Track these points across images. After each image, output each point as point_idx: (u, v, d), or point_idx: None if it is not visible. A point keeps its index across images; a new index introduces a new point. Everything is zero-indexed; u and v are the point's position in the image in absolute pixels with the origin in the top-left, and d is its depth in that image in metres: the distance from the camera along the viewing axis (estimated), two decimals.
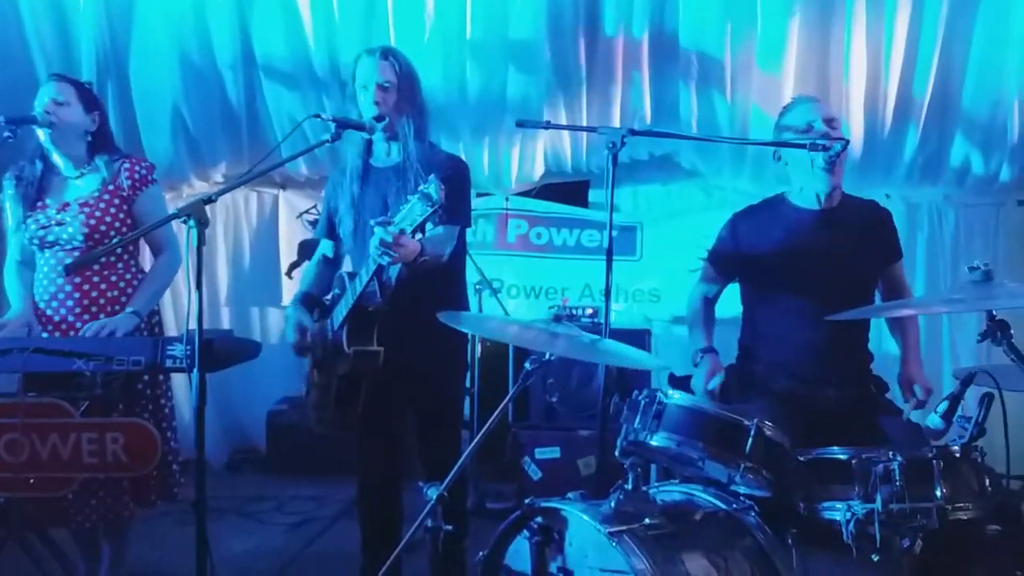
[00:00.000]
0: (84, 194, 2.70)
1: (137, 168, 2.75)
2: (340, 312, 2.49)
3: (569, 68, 3.97)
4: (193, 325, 2.07)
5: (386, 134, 2.57)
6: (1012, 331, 1.75)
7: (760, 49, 3.80)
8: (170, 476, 2.75)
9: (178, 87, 4.19)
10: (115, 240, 2.61)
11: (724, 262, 2.69)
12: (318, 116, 2.38)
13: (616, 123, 4.01)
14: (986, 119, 3.85)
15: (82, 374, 2.32)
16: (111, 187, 2.70)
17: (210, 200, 2.09)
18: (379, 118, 2.49)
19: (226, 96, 4.24)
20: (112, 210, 2.69)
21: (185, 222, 2.02)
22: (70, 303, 2.68)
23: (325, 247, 2.80)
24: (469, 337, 2.83)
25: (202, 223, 2.01)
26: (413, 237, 2.17)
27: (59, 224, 2.66)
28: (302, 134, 3.74)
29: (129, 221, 2.70)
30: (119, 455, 2.28)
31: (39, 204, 2.70)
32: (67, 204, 2.68)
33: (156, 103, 4.21)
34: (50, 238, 2.67)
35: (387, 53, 2.56)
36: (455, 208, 2.42)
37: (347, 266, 2.74)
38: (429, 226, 2.18)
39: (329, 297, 2.65)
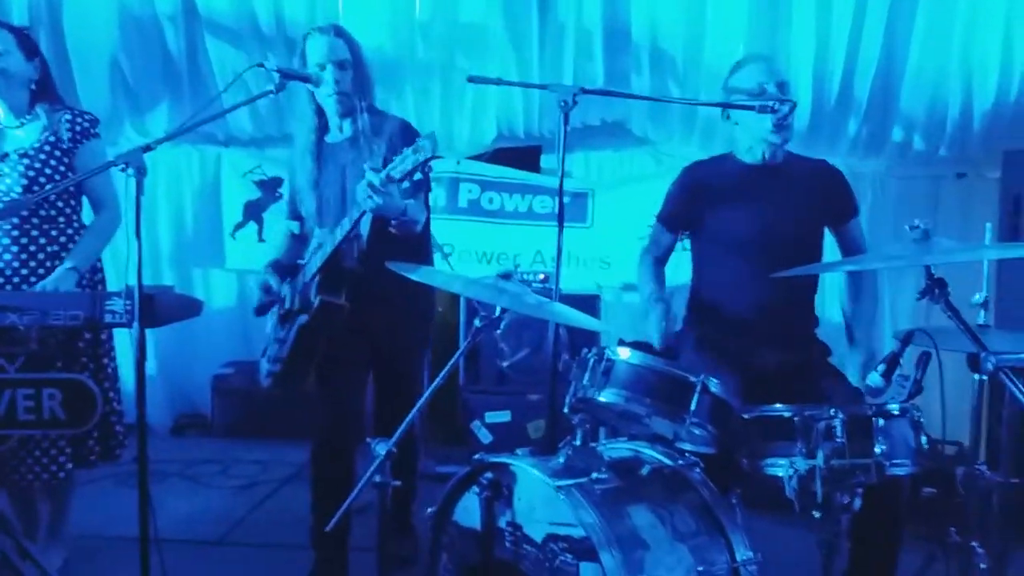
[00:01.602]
0: (24, 145, 2.63)
1: (79, 120, 2.68)
2: (314, 263, 2.52)
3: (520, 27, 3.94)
4: (132, 279, 2.04)
5: (340, 109, 2.59)
6: (949, 289, 1.79)
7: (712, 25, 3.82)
8: (112, 438, 2.72)
9: (116, 38, 4.04)
10: (48, 187, 2.53)
11: (673, 215, 2.70)
12: (261, 65, 2.32)
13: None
14: (927, 101, 3.93)
15: (16, 328, 2.23)
16: (52, 139, 2.63)
17: (148, 148, 2.03)
18: (340, 97, 2.55)
19: (166, 47, 4.11)
20: (52, 162, 2.62)
21: (124, 170, 1.96)
22: (8, 256, 2.61)
23: (292, 225, 2.84)
24: (435, 306, 2.83)
25: (141, 171, 1.96)
26: (402, 185, 2.21)
27: (29, 195, 2.58)
28: (245, 90, 3.63)
29: (69, 174, 2.63)
30: (56, 412, 2.20)
31: None
32: (6, 155, 2.62)
33: (93, 54, 4.07)
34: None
35: (339, 31, 2.59)
36: (417, 183, 2.39)
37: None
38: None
39: (303, 260, 2.67)
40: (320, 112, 2.66)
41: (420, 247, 2.70)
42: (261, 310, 2.76)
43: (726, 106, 2.54)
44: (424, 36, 3.97)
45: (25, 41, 2.64)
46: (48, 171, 2.61)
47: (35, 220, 2.64)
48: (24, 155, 2.60)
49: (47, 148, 2.62)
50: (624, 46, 3.97)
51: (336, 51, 2.55)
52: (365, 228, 2.48)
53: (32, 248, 2.63)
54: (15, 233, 2.62)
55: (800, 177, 2.58)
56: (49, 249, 2.64)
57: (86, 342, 2.64)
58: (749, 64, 2.57)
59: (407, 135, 2.51)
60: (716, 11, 3.81)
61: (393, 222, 2.41)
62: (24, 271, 2.61)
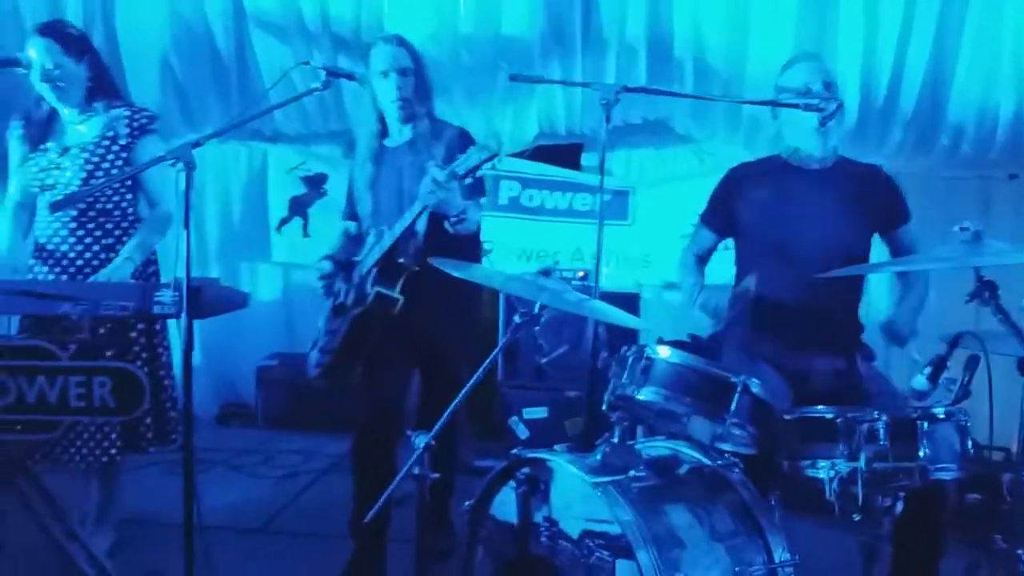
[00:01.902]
0: (85, 140, 2.72)
1: (137, 117, 2.76)
2: (373, 256, 2.61)
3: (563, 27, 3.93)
4: (181, 271, 2.09)
5: (401, 115, 2.69)
6: (1000, 291, 1.76)
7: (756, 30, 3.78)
8: (167, 423, 2.80)
9: (166, 38, 4.13)
10: (102, 180, 2.61)
11: (718, 216, 2.69)
12: (307, 64, 2.36)
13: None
14: (978, 103, 3.84)
15: (68, 317, 2.30)
16: (110, 134, 2.72)
17: (197, 143, 2.07)
18: (402, 103, 2.65)
19: (215, 47, 4.18)
20: (111, 157, 2.71)
21: (173, 164, 2.01)
22: (65, 247, 2.72)
23: (349, 226, 2.92)
24: (482, 307, 2.88)
25: (189, 166, 2.00)
26: (464, 181, 2.34)
27: (58, 168, 2.70)
28: (292, 87, 3.68)
29: (127, 169, 2.70)
30: (107, 399, 2.26)
31: (42, 147, 2.73)
32: (67, 148, 2.71)
33: (144, 54, 4.15)
34: (49, 181, 2.70)
35: (401, 41, 2.69)
36: (473, 184, 2.54)
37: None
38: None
39: (360, 257, 2.76)
40: (381, 117, 2.75)
41: (472, 248, 2.77)
42: (328, 291, 2.82)
43: (770, 104, 2.53)
44: (468, 47, 4.00)
45: (73, 44, 2.68)
46: (106, 165, 2.69)
47: (91, 213, 2.72)
48: (84, 150, 2.69)
49: (106, 143, 2.70)
50: (667, 56, 3.95)
51: (399, 59, 2.66)
52: (422, 227, 2.56)
53: (88, 240, 2.72)
54: (72, 225, 2.71)
55: (849, 182, 2.54)
56: (104, 241, 2.73)
57: (140, 331, 2.72)
58: (798, 63, 2.55)
59: (465, 141, 2.59)
60: (761, 16, 3.76)
61: (452, 218, 2.49)
62: (80, 262, 2.70)
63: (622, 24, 3.89)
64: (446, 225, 2.54)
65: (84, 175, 2.67)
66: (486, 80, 4.15)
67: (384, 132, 2.79)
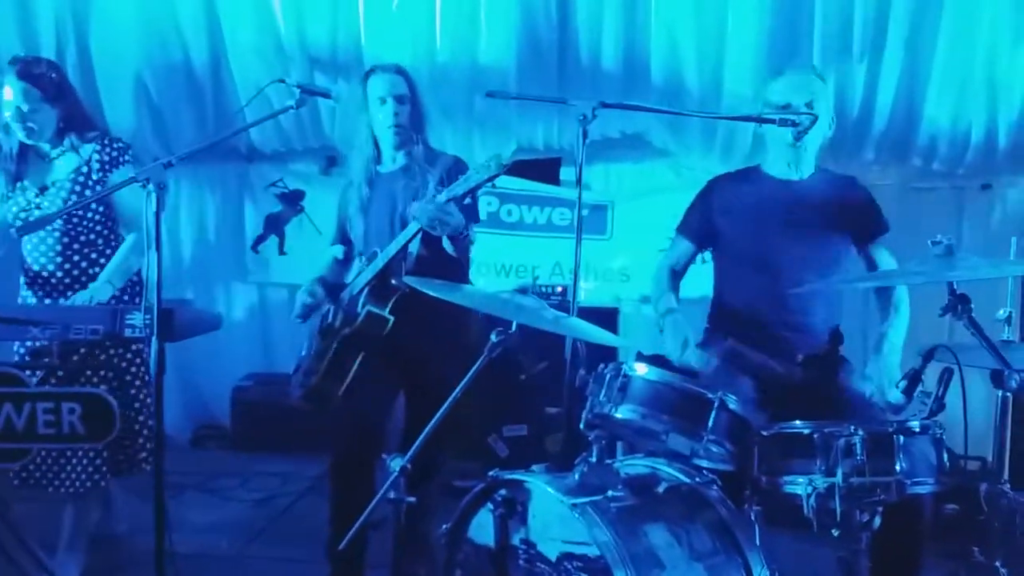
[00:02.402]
0: (61, 177, 2.72)
1: (107, 150, 2.75)
2: (365, 276, 2.64)
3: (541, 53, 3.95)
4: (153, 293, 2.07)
5: (396, 140, 2.74)
6: (972, 305, 1.77)
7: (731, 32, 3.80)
8: (140, 450, 2.76)
9: (141, 57, 4.10)
10: (68, 205, 2.62)
11: (695, 227, 2.69)
12: (282, 81, 2.35)
13: None
14: (951, 113, 3.88)
15: (38, 342, 2.27)
16: (84, 169, 2.71)
17: (169, 164, 2.05)
18: (398, 129, 2.70)
19: (191, 66, 4.15)
20: (87, 192, 2.70)
21: (144, 186, 1.98)
22: (53, 280, 2.74)
23: (336, 251, 2.94)
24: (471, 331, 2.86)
25: (161, 187, 1.98)
26: (463, 202, 2.39)
27: (38, 208, 2.70)
28: (267, 105, 3.67)
29: (98, 191, 2.69)
30: (76, 425, 2.23)
31: (19, 184, 2.73)
32: (45, 187, 2.72)
33: (118, 74, 4.12)
34: (31, 219, 2.69)
35: (399, 69, 2.76)
36: (467, 209, 2.56)
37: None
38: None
39: (351, 279, 2.79)
40: (375, 143, 2.79)
41: (461, 271, 2.79)
42: (305, 315, 2.82)
43: (744, 119, 2.55)
44: (444, 76, 4.01)
45: (50, 87, 2.67)
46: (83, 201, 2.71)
47: (76, 246, 2.73)
48: (61, 188, 2.71)
49: (81, 179, 2.71)
50: (644, 74, 3.97)
51: (396, 86, 2.70)
52: (415, 248, 2.59)
53: (75, 272, 2.74)
54: (59, 260, 2.73)
55: (827, 194, 2.56)
56: (91, 271, 2.74)
57: (111, 354, 2.69)
58: (782, 78, 2.56)
59: (460, 168, 2.62)
60: (736, 33, 3.79)
61: (460, 236, 2.51)
62: (69, 293, 2.70)
63: (598, 48, 3.91)
64: (445, 244, 2.55)
65: (64, 214, 2.69)
66: (463, 104, 4.15)
67: (378, 158, 2.82)
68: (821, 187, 2.57)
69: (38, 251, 2.74)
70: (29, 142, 2.71)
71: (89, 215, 2.72)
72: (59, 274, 2.73)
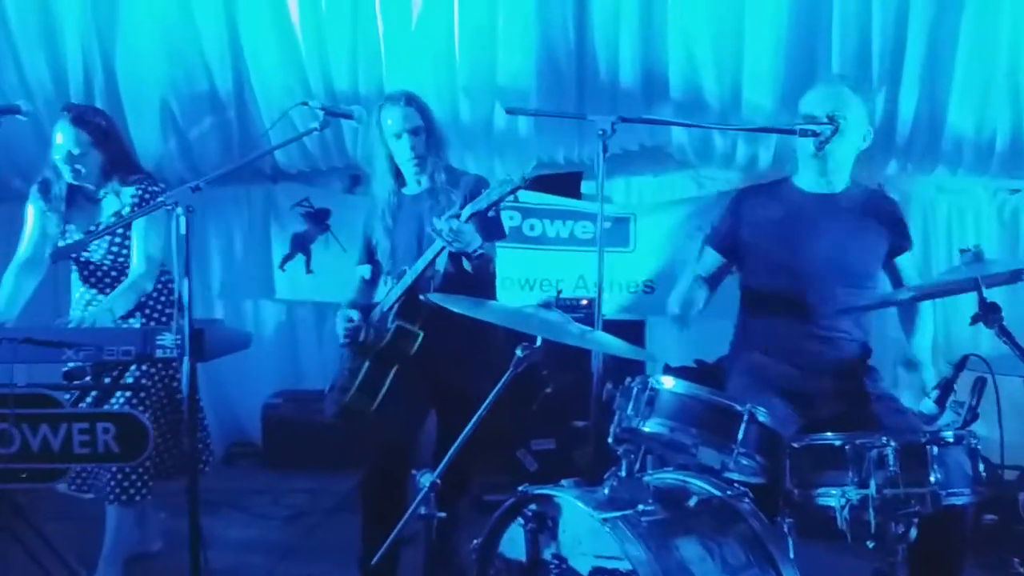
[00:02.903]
0: (103, 219, 2.85)
1: (142, 194, 2.85)
2: (395, 293, 2.66)
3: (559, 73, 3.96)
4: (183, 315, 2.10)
5: (418, 170, 2.78)
6: (1003, 314, 1.75)
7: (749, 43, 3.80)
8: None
9: (166, 80, 4.17)
10: (98, 232, 2.76)
11: (722, 238, 2.68)
12: (305, 104, 2.39)
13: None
14: (975, 118, 3.84)
15: (72, 363, 2.31)
16: (124, 212, 2.83)
17: (197, 188, 2.08)
18: (417, 160, 2.74)
19: (215, 89, 4.22)
20: (129, 233, 2.85)
21: (171, 209, 2.02)
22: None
23: (363, 271, 2.97)
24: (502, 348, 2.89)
25: (189, 210, 2.01)
26: (487, 215, 2.44)
27: (85, 250, 2.86)
28: (291, 126, 3.72)
29: (124, 216, 2.79)
30: (110, 445, 2.26)
31: (66, 228, 2.86)
32: (90, 232, 2.84)
33: (144, 96, 4.19)
34: (82, 259, 2.88)
35: (410, 99, 2.76)
36: (492, 224, 2.61)
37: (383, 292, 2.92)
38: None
39: (379, 299, 2.84)
40: (397, 171, 2.82)
41: (489, 287, 2.81)
42: (351, 338, 2.82)
43: (763, 130, 2.54)
44: (466, 96, 4.05)
45: (99, 133, 2.81)
46: (128, 244, 2.85)
47: (122, 278, 2.86)
48: (106, 230, 2.81)
49: (120, 222, 2.82)
50: (663, 89, 3.98)
51: (409, 119, 2.73)
52: (442, 265, 2.62)
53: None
54: (93, 291, 2.90)
55: (858, 208, 2.54)
56: (137, 311, 2.85)
57: (146, 373, 2.78)
58: (814, 90, 2.55)
59: (483, 187, 2.64)
60: (753, 45, 3.78)
61: (473, 255, 2.53)
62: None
63: (616, 63, 3.92)
64: (464, 263, 2.58)
65: (111, 256, 2.86)
66: (484, 123, 4.18)
67: (402, 183, 2.86)
68: (853, 201, 2.55)
69: (83, 287, 2.92)
70: (75, 183, 2.83)
71: (126, 251, 2.87)
72: (94, 304, 2.85)
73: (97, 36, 4.02)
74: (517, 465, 3.87)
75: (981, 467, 1.91)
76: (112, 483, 2.73)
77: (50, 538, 2.50)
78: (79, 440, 2.28)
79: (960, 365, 1.93)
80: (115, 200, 2.85)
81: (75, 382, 2.33)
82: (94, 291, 2.90)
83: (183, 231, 2.08)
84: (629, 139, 4.39)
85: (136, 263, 2.83)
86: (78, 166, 2.77)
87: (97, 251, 2.86)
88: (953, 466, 1.86)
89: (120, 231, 2.82)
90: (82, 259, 2.89)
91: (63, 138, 2.76)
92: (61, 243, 2.87)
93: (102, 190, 2.86)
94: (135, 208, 2.80)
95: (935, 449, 1.85)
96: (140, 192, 2.83)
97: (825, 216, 2.51)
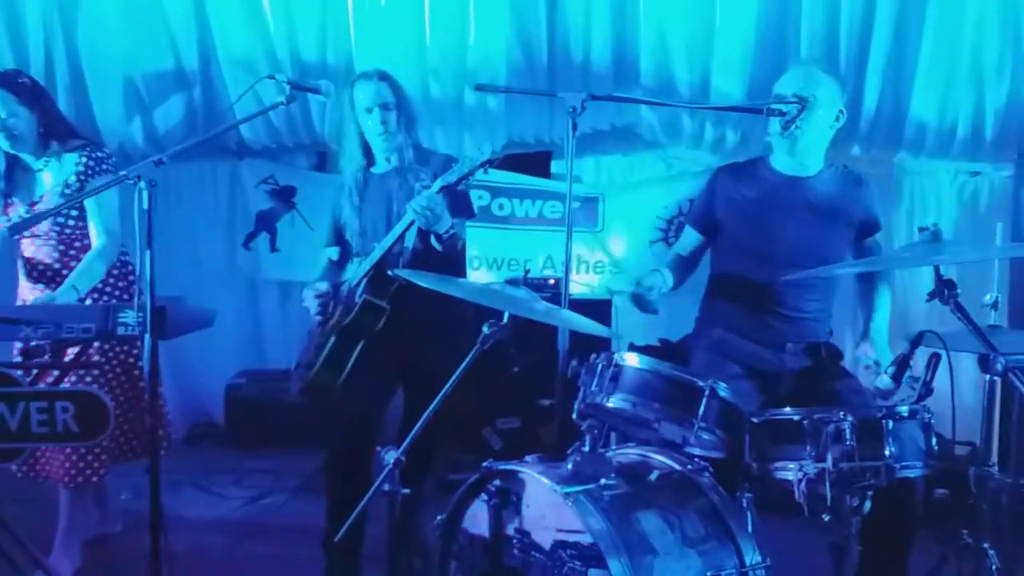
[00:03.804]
0: (47, 190, 2.76)
1: (88, 160, 2.76)
2: (364, 267, 2.66)
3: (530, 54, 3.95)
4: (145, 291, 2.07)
5: (388, 146, 2.77)
6: (959, 291, 1.79)
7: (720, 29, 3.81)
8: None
9: (130, 57, 4.08)
10: (53, 208, 2.65)
11: (700, 216, 2.72)
12: (272, 78, 2.36)
13: None
14: (939, 102, 3.90)
15: (31, 342, 2.26)
16: (70, 180, 2.74)
17: (160, 161, 2.05)
18: (387, 136, 2.73)
19: (180, 65, 4.14)
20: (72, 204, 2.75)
21: (135, 184, 1.98)
22: (58, 280, 2.76)
23: (331, 252, 2.95)
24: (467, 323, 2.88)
25: (151, 184, 1.98)
26: (457, 187, 2.43)
27: (35, 214, 2.73)
28: (257, 101, 3.67)
29: (87, 191, 2.70)
30: (70, 424, 2.23)
31: (9, 202, 2.78)
32: (34, 203, 2.76)
33: (107, 74, 4.10)
34: (26, 235, 2.76)
35: (383, 75, 2.76)
36: (461, 202, 2.62)
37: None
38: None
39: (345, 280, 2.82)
40: (367, 149, 2.81)
41: (458, 265, 2.82)
42: (324, 316, 2.79)
43: (730, 109, 2.56)
44: (435, 78, 4.02)
45: (25, 92, 2.73)
46: (75, 214, 2.76)
47: (72, 252, 2.80)
48: (48, 201, 2.74)
49: (66, 191, 2.74)
50: (633, 79, 3.98)
51: (381, 94, 2.72)
52: (411, 241, 2.61)
53: (58, 279, 2.77)
54: (56, 266, 2.81)
55: (831, 192, 2.57)
56: None
57: (105, 350, 2.74)
58: (787, 72, 2.58)
59: (450, 166, 2.59)
60: (724, 28, 3.79)
61: (444, 235, 2.52)
62: None
63: (588, 45, 3.91)
64: (433, 242, 2.57)
65: (57, 226, 2.76)
66: (454, 102, 4.15)
67: (371, 161, 2.84)
68: (825, 184, 2.58)
69: (38, 256, 2.82)
70: (12, 151, 2.75)
71: (72, 221, 2.78)
72: (57, 280, 2.77)
73: (59, 12, 3.92)
74: (482, 443, 3.90)
75: (934, 441, 1.96)
76: (67, 464, 2.70)
77: (7, 521, 2.46)
78: (37, 419, 2.24)
79: (916, 341, 1.97)
80: (58, 168, 2.77)
81: (34, 360, 2.29)
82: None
83: (145, 206, 2.04)
84: (599, 118, 4.38)
85: (96, 237, 2.77)
86: (12, 131, 2.69)
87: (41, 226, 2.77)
88: (907, 440, 1.91)
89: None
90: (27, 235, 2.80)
91: None
92: (3, 219, 2.79)
93: (42, 158, 2.78)
94: (81, 176, 2.73)
95: (890, 423, 1.90)
96: (85, 159, 2.76)
97: (797, 199, 2.54)
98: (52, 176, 2.78)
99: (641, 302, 2.44)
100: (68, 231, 2.78)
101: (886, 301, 2.62)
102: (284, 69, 4.02)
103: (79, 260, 2.76)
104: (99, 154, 2.80)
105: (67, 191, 2.74)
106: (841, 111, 2.55)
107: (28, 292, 2.82)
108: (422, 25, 3.89)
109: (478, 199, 4.65)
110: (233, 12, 3.95)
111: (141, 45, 4.05)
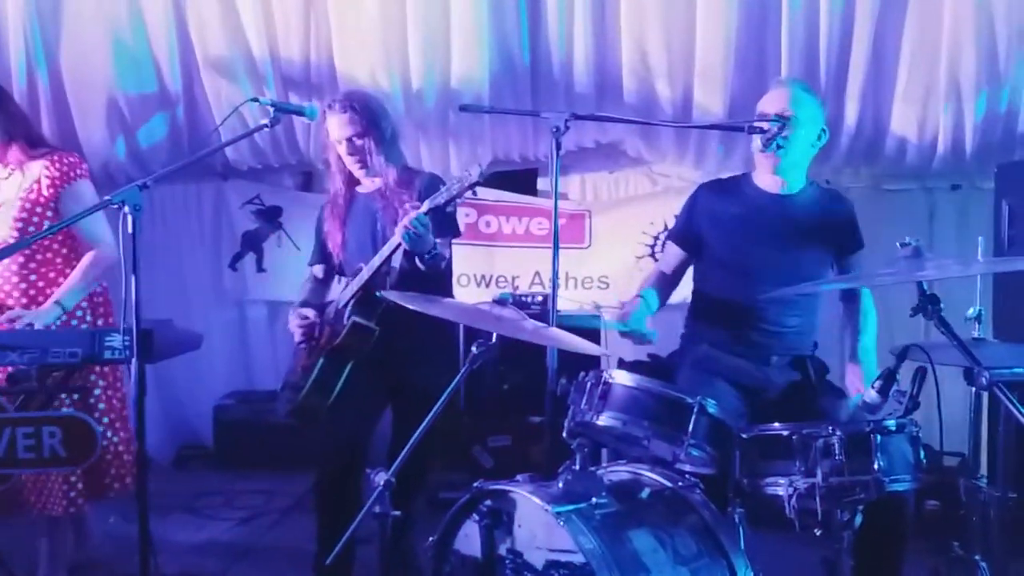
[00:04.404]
0: (11, 196, 2.68)
1: (57, 166, 2.69)
2: (350, 290, 2.67)
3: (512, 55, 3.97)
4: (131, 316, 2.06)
5: (365, 172, 2.79)
6: (942, 305, 1.81)
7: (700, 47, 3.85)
8: (121, 467, 2.79)
9: (112, 77, 4.08)
10: (41, 232, 2.60)
11: (682, 232, 2.73)
12: (256, 100, 2.36)
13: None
14: (918, 115, 3.94)
15: (16, 367, 2.24)
16: (34, 186, 2.67)
17: (145, 186, 2.05)
18: (361, 164, 2.75)
19: (164, 87, 4.14)
20: (38, 209, 2.69)
21: (119, 208, 1.98)
22: (11, 301, 2.70)
23: (315, 271, 2.99)
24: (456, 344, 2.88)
25: (136, 208, 1.98)
26: (446, 210, 2.45)
27: (15, 242, 2.65)
28: (242, 122, 3.67)
29: (57, 220, 2.67)
30: (56, 449, 2.21)
31: None
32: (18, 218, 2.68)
33: (90, 91, 4.08)
34: None
35: (346, 105, 2.72)
36: (446, 221, 2.62)
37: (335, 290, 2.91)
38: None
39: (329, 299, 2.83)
40: (349, 172, 2.82)
41: (443, 284, 2.82)
42: (307, 337, 2.78)
43: (713, 127, 2.58)
44: (418, 95, 4.04)
45: None
46: (35, 219, 2.69)
47: (32, 264, 2.71)
48: (11, 207, 2.67)
49: (31, 197, 2.68)
50: (616, 98, 4.00)
51: (348, 126, 2.71)
52: (397, 262, 2.62)
53: (32, 292, 2.71)
54: (15, 279, 2.71)
55: (812, 210, 2.59)
56: (49, 291, 2.70)
57: (95, 374, 2.71)
58: (770, 91, 2.61)
59: (437, 184, 2.61)
60: (705, 44, 3.82)
61: (426, 256, 2.52)
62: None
63: (570, 66, 3.94)
64: (417, 262, 2.57)
65: (16, 233, 2.66)
66: (438, 121, 4.17)
67: (354, 180, 2.85)
68: (807, 202, 2.60)
69: None
70: None
71: (33, 237, 2.67)
72: (16, 294, 2.71)
73: (40, 34, 3.91)
74: (473, 462, 3.89)
75: (922, 454, 1.97)
76: (53, 488, 2.66)
77: None
78: (24, 444, 2.22)
79: (902, 355, 1.98)
80: (21, 176, 2.70)
81: (20, 386, 2.27)
82: None
83: (130, 230, 2.04)
84: (584, 137, 4.42)
85: (85, 249, 2.74)
86: None
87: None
88: (896, 454, 1.92)
89: (38, 211, 2.69)
90: None
91: None
92: None
93: (5, 167, 2.72)
94: (53, 181, 2.67)
95: (878, 437, 1.90)
96: (51, 163, 2.69)
97: (779, 217, 2.56)
98: (15, 182, 2.70)
99: (633, 337, 2.44)
100: (35, 247, 2.71)
101: (871, 321, 2.64)
102: (268, 86, 4.03)
103: (38, 275, 2.71)
104: (70, 159, 2.74)
105: (37, 197, 2.68)
106: (823, 130, 2.58)
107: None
108: (405, 45, 3.91)
109: (465, 216, 4.67)
110: (215, 29, 3.95)
111: (123, 65, 4.04)
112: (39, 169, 2.69)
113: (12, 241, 2.65)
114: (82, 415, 2.29)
